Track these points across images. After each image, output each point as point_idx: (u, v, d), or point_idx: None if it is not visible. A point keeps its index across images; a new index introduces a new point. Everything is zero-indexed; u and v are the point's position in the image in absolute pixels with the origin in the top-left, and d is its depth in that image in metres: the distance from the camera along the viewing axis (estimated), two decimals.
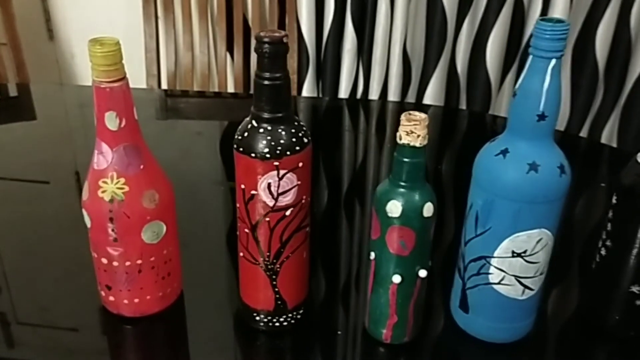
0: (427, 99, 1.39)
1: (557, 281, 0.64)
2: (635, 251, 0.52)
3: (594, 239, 0.57)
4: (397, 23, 1.31)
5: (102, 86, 0.49)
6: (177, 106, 1.21)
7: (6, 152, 0.91)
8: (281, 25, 1.41)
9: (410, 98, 1.42)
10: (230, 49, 1.44)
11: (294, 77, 1.41)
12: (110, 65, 0.48)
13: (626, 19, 1.26)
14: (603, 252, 0.55)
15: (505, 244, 0.50)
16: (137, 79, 1.45)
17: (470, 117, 1.18)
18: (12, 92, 1.25)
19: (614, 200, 0.53)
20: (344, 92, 1.41)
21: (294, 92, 1.41)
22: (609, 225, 0.54)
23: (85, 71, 1.60)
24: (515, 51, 1.35)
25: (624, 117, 1.32)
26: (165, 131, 1.03)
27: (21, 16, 1.42)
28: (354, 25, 1.34)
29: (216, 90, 1.47)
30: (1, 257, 0.66)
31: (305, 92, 1.43)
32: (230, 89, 1.47)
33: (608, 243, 0.54)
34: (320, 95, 1.45)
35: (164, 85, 1.45)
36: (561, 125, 1.38)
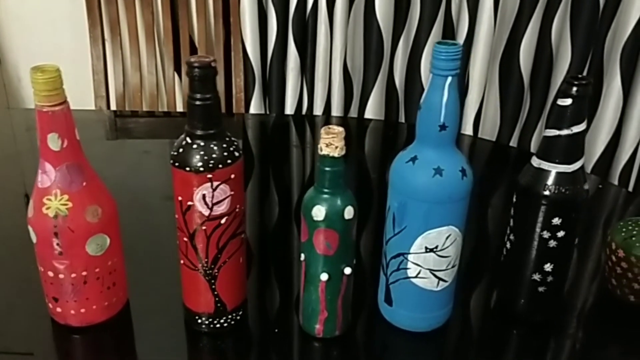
0: (369, 113, 1.46)
1: (471, 273, 0.71)
2: (534, 243, 0.59)
3: (503, 234, 0.63)
4: (336, 42, 1.38)
5: (44, 110, 0.52)
6: (126, 126, 1.24)
7: None
8: (227, 45, 1.46)
9: (353, 113, 1.49)
10: (177, 69, 1.48)
11: (240, 95, 1.46)
12: (51, 90, 0.52)
13: (547, 33, 1.37)
14: (508, 245, 0.62)
15: (418, 240, 0.56)
16: (86, 100, 1.47)
17: (408, 130, 1.26)
18: None
19: (514, 199, 0.60)
20: (289, 109, 1.47)
21: (241, 110, 1.46)
22: (512, 221, 0.61)
23: (32, 95, 1.60)
24: None
25: None
26: (114, 150, 1.06)
27: None
28: (296, 45, 1.40)
29: (165, 109, 1.51)
30: None
31: (253, 109, 1.48)
32: (179, 108, 1.50)
33: (512, 237, 0.61)
34: (267, 112, 1.50)
35: (113, 107, 1.48)
36: (492, 135, 1.48)
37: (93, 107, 1.45)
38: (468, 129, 1.45)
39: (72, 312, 0.59)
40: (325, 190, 0.54)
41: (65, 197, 0.55)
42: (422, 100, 0.54)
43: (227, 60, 1.46)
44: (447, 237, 0.56)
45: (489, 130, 1.49)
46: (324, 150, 0.53)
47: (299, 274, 0.59)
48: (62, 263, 0.57)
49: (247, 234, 0.78)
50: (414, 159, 0.55)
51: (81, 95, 1.45)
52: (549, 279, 0.60)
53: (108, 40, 1.45)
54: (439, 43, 0.52)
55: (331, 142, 0.52)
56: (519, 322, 0.64)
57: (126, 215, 0.61)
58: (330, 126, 0.53)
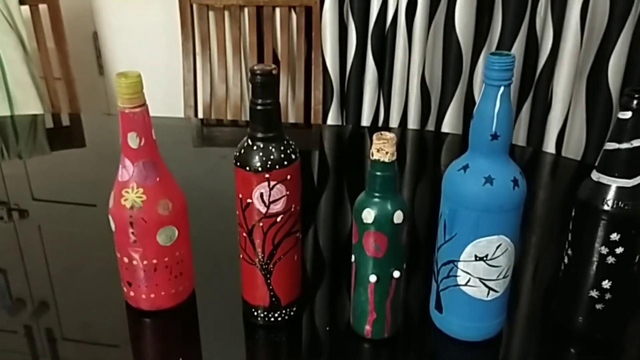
0: (446, 127, 1.46)
1: (526, 285, 0.69)
2: (592, 259, 0.57)
3: (560, 246, 0.62)
4: (414, 57, 1.40)
5: (126, 111, 0.59)
6: (212, 134, 1.32)
7: (57, 177, 1.02)
8: (308, 60, 1.52)
9: (430, 126, 1.49)
10: None
11: (318, 107, 1.51)
12: (133, 94, 0.58)
13: (638, 47, 1.30)
14: (566, 260, 0.61)
15: (468, 248, 0.57)
16: (176, 109, 1.58)
17: None
18: (65, 122, 1.39)
19: (573, 213, 0.59)
20: (366, 121, 1.50)
21: (319, 121, 1.50)
22: (570, 235, 0.60)
23: None
24: (530, 83, 1.40)
25: None
26: (195, 155, 1.14)
27: (75, 53, 1.58)
28: (374, 59, 1.43)
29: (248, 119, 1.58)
30: (50, 275, 0.75)
31: (330, 121, 1.52)
32: None
33: (570, 252, 0.60)
34: (344, 124, 1.54)
35: (200, 115, 1.58)
36: (577, 154, 1.42)
37: (182, 115, 1.56)
38: (550, 147, 1.41)
39: (143, 296, 0.65)
40: (376, 194, 0.56)
41: (141, 190, 0.61)
42: (475, 110, 0.55)
43: (307, 73, 1.52)
44: (497, 247, 0.56)
45: (574, 149, 1.44)
46: (375, 155, 0.55)
47: (348, 273, 0.61)
48: (136, 250, 0.63)
49: (317, 238, 0.81)
50: (465, 168, 0.56)
51: (172, 104, 1.57)
52: (607, 296, 0.58)
53: (199, 53, 1.55)
54: (492, 54, 0.53)
55: (382, 148, 0.55)
56: (576, 339, 0.62)
57: (196, 211, 0.66)
58: (382, 132, 0.55)
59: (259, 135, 0.57)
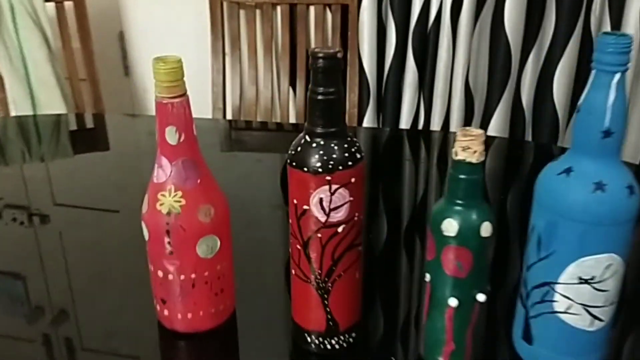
0: (491, 131, 1.36)
1: (631, 313, 0.59)
2: None
3: None
4: (459, 57, 1.31)
5: (164, 102, 0.50)
6: (242, 137, 1.24)
7: (80, 181, 0.95)
8: (343, 61, 1.43)
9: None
10: (293, 83, 1.47)
11: (354, 111, 1.42)
12: (172, 81, 0.50)
13: None
14: None
15: (570, 269, 0.47)
16: (203, 111, 1.51)
17: (536, 149, 1.15)
18: (89, 123, 1.32)
19: None
20: (404, 125, 1.41)
21: (354, 124, 1.41)
22: None
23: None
24: (584, 85, 1.30)
25: None
26: (226, 159, 1.06)
27: (100, 54, 1.52)
28: (415, 60, 1.34)
29: (279, 121, 1.50)
30: (70, 283, 0.68)
31: (366, 125, 1.43)
32: (292, 122, 1.50)
33: None
34: (380, 127, 1.45)
35: (229, 118, 1.50)
36: (635, 159, 1.31)
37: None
38: None
39: (179, 316, 0.56)
40: (459, 201, 0.47)
41: (179, 193, 0.52)
42: (580, 101, 0.46)
43: (343, 75, 1.44)
44: (606, 267, 0.47)
45: (631, 152, 1.33)
46: (459, 154, 0.46)
47: (420, 295, 0.52)
48: (172, 263, 0.54)
49: (374, 251, 0.72)
50: (568, 171, 0.46)
51: (199, 106, 1.49)
52: None
53: (228, 54, 1.48)
54: (605, 34, 0.44)
55: (469, 146, 0.46)
56: None
57: (235, 220, 0.58)
58: (468, 128, 0.46)
59: (319, 130, 0.49)
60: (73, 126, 1.27)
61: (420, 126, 1.40)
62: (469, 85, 1.34)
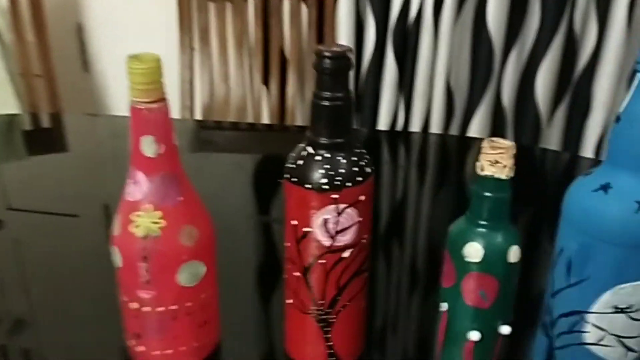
0: (472, 133, 1.32)
1: None
2: None
3: None
4: (441, 55, 1.26)
5: (140, 107, 0.43)
6: (213, 138, 1.16)
7: (36, 185, 0.87)
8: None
9: (453, 131, 1.35)
10: (266, 81, 1.40)
11: None
12: (150, 83, 0.43)
13: None
14: None
15: (606, 297, 0.42)
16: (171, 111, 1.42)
17: (519, 152, 1.10)
18: (45, 123, 1.22)
19: None
20: (383, 127, 1.35)
21: None
22: None
23: (119, 103, 1.57)
24: (566, 85, 1.27)
25: None
26: (198, 162, 0.98)
27: (56, 48, 1.41)
28: (396, 58, 1.29)
29: (252, 122, 1.43)
30: (29, 292, 0.61)
31: None
32: (265, 122, 1.42)
33: None
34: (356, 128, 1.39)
35: (198, 118, 1.42)
36: None
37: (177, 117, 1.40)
38: (588, 153, 1.28)
39: (157, 352, 0.49)
40: (483, 222, 0.42)
41: (159, 213, 0.45)
42: (621, 109, 0.41)
43: None
44: None
45: None
46: (486, 169, 0.40)
47: (434, 328, 0.46)
48: (148, 293, 0.47)
49: (377, 274, 0.66)
50: (605, 187, 0.41)
51: None
52: None
53: (197, 49, 1.40)
54: None
55: (498, 160, 0.40)
56: None
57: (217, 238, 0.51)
58: (495, 139, 0.41)
59: (324, 141, 0.42)
60: (28, 126, 1.17)
61: (400, 127, 1.35)
62: (450, 84, 1.30)
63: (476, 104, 1.29)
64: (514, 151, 0.40)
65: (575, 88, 1.26)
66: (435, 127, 1.31)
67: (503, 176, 0.40)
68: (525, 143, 1.30)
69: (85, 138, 1.10)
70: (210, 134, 1.20)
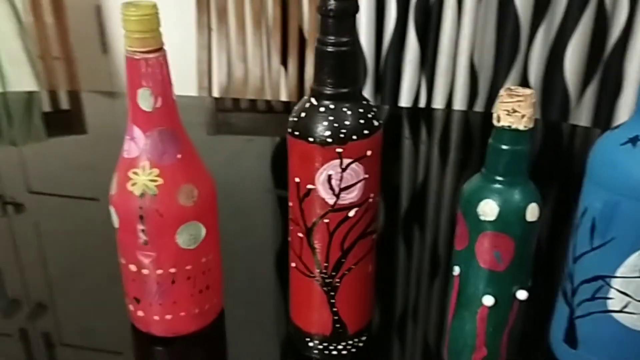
0: None
1: None
2: None
3: None
4: (464, 31, 1.22)
5: (136, 57, 0.41)
6: (229, 116, 1.15)
7: (55, 167, 0.86)
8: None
9: (478, 107, 1.31)
10: (284, 61, 1.38)
11: None
12: (146, 31, 0.41)
13: None
14: None
15: (632, 259, 0.39)
16: (188, 91, 1.41)
17: (545, 129, 1.06)
18: (64, 103, 1.22)
19: None
20: (404, 104, 1.32)
21: None
22: None
23: None
24: (597, 62, 1.22)
25: None
26: (212, 139, 0.96)
27: (75, 30, 1.41)
28: (417, 34, 1.25)
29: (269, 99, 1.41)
30: (49, 276, 0.60)
31: None
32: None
33: None
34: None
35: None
36: None
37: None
38: None
39: (156, 317, 0.47)
40: (500, 178, 0.39)
41: (155, 171, 0.43)
42: None
43: None
44: None
45: None
46: (503, 119, 0.37)
47: (446, 292, 0.43)
48: (147, 255, 0.45)
49: (386, 238, 0.63)
50: (634, 140, 0.38)
51: (183, 85, 1.39)
52: None
53: (214, 29, 1.38)
54: None
55: (516, 109, 0.37)
56: None
57: (223, 206, 0.49)
58: (514, 87, 0.38)
59: (328, 90, 0.39)
60: (46, 105, 1.16)
61: (423, 105, 1.32)
62: (474, 61, 1.25)
63: (501, 83, 1.25)
64: (533, 100, 0.37)
65: (605, 65, 1.21)
66: (459, 105, 1.28)
67: (521, 127, 0.37)
68: (554, 120, 1.25)
69: (104, 118, 1.09)
70: (229, 112, 1.18)
